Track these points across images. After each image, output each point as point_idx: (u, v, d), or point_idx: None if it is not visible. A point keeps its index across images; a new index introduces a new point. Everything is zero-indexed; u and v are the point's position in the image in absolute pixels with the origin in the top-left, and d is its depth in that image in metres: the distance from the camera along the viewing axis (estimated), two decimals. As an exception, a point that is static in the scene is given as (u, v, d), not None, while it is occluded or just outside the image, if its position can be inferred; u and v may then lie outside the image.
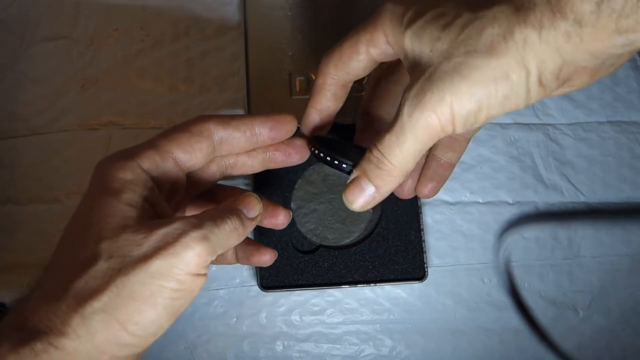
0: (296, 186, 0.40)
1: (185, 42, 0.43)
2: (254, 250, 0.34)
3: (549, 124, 0.43)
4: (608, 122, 0.43)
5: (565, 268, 0.41)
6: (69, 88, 0.42)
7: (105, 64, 0.42)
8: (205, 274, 0.25)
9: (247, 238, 0.33)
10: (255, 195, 0.28)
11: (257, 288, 0.39)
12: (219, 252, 0.25)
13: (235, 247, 0.33)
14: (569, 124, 0.43)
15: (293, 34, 0.42)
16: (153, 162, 0.27)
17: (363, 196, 0.27)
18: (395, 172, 0.26)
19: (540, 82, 0.23)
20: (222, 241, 0.25)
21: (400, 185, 0.31)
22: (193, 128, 0.29)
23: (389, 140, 0.25)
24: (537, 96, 0.23)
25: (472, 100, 0.23)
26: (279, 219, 0.33)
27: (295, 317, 0.40)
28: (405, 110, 0.24)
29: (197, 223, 0.24)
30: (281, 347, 0.40)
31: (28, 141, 0.41)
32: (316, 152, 0.30)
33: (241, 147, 0.30)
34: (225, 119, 0.29)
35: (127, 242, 0.24)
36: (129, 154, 0.27)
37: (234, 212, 0.27)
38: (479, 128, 0.31)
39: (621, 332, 0.41)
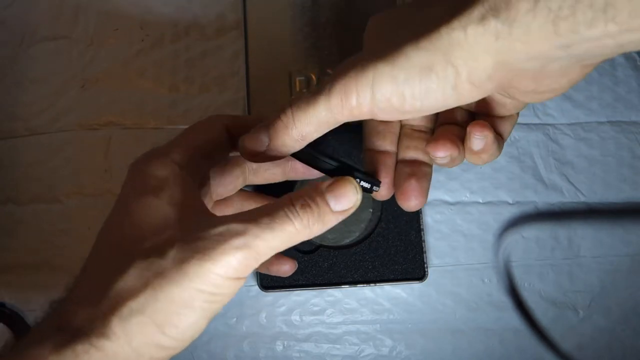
0: (296, 186, 0.40)
1: (185, 42, 0.43)
2: (274, 259, 0.33)
3: (549, 124, 0.43)
4: (608, 122, 0.43)
5: (565, 268, 0.41)
6: (69, 88, 0.42)
7: (105, 64, 0.42)
8: (244, 277, 0.24)
9: None
10: (351, 180, 0.25)
11: (257, 288, 0.39)
12: (274, 253, 0.24)
13: None
14: (569, 124, 0.43)
15: (293, 34, 0.42)
16: (185, 158, 0.27)
17: (257, 146, 0.26)
18: (291, 136, 0.25)
19: (472, 81, 0.23)
20: (279, 243, 0.23)
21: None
22: (209, 124, 0.29)
23: (304, 98, 0.25)
24: (470, 95, 0.23)
25: (393, 83, 0.23)
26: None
27: (295, 317, 0.40)
28: (330, 77, 0.25)
29: (241, 231, 0.23)
30: (281, 347, 0.40)
31: (28, 141, 0.41)
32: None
33: None
34: (239, 118, 0.30)
35: (166, 244, 0.23)
36: (162, 151, 0.27)
37: (307, 207, 0.24)
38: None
39: (621, 332, 0.41)
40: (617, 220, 0.41)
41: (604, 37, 0.19)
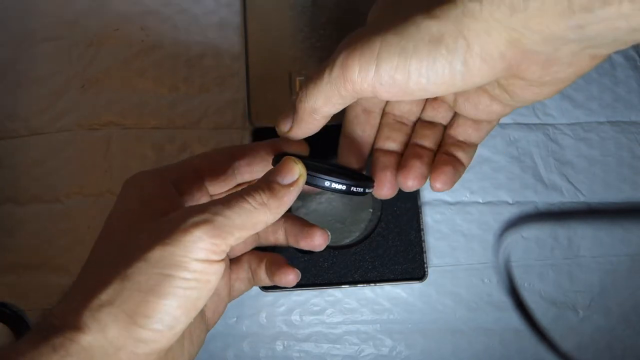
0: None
1: (185, 42, 0.43)
2: (276, 269, 0.32)
3: (549, 124, 0.43)
4: (608, 122, 0.43)
5: (565, 268, 0.41)
6: (69, 88, 0.42)
7: (105, 64, 0.42)
8: (219, 261, 0.23)
9: (274, 255, 0.32)
10: (292, 157, 0.26)
11: (257, 288, 0.39)
12: (241, 234, 0.24)
13: (266, 266, 0.32)
14: (569, 124, 0.43)
15: (293, 34, 0.42)
16: (173, 173, 0.29)
17: (285, 122, 0.29)
18: (304, 109, 0.27)
19: (483, 58, 0.22)
20: (240, 221, 0.23)
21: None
22: (213, 151, 0.31)
23: (314, 72, 0.26)
24: (480, 74, 0.23)
25: (400, 55, 0.23)
26: (315, 240, 0.32)
27: (295, 317, 0.40)
28: (336, 50, 0.25)
29: (201, 208, 0.23)
30: (281, 347, 0.40)
31: (28, 141, 0.41)
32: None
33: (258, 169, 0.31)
34: (245, 146, 0.32)
35: (132, 236, 0.24)
36: (152, 168, 0.29)
37: (259, 187, 0.25)
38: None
39: (621, 332, 0.41)
40: (617, 220, 0.41)
41: (618, 17, 0.19)
